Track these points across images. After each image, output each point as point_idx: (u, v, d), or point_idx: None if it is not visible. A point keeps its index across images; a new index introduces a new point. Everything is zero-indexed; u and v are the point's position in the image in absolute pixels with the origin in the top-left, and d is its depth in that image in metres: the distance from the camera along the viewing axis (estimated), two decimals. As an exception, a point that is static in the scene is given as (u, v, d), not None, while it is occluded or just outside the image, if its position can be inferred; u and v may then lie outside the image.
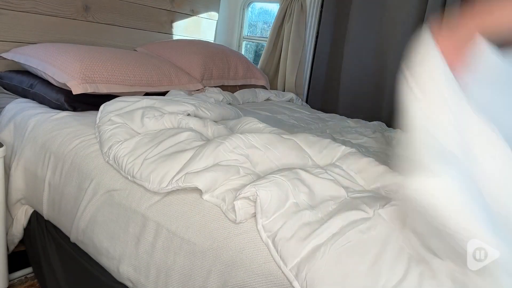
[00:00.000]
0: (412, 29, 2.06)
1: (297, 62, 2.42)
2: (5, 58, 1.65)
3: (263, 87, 2.43)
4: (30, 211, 1.41)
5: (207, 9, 2.69)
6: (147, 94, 1.65)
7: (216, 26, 2.82)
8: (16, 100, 1.57)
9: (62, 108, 1.43)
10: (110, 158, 1.09)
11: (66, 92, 1.44)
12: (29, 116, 1.42)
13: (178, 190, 0.94)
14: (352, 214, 0.81)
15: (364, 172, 1.04)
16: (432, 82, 0.71)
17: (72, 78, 1.43)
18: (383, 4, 2.12)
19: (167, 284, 0.91)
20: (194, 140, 1.12)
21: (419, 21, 2.04)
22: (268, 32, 2.56)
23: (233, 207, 0.84)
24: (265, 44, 2.59)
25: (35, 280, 1.50)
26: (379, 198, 0.92)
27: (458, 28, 0.73)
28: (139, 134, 1.17)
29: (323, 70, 2.44)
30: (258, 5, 2.88)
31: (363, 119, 2.04)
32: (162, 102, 1.33)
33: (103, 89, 1.50)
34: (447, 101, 0.69)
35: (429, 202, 0.64)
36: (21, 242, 1.47)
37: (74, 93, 1.40)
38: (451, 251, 0.66)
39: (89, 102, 1.48)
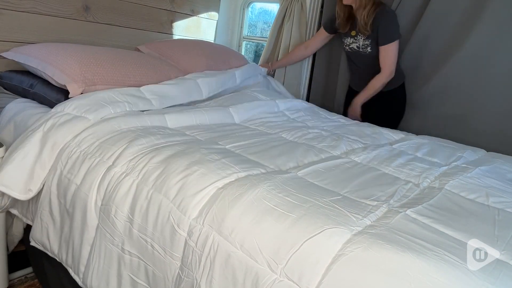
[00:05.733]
0: (409, 26, 2.08)
1: (299, 64, 2.42)
2: (5, 58, 1.65)
3: (263, 87, 2.44)
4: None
5: (207, 9, 2.69)
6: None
7: (216, 26, 2.82)
8: (16, 100, 1.57)
9: (62, 108, 1.43)
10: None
11: (66, 92, 1.44)
12: (29, 116, 1.42)
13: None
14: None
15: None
16: None
17: (72, 80, 1.43)
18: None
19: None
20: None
21: (416, 19, 2.06)
22: (268, 32, 2.56)
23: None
24: (265, 44, 2.59)
25: (35, 280, 1.50)
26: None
27: None
28: None
29: (323, 71, 2.45)
30: (258, 5, 2.88)
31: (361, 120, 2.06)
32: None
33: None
34: None
35: None
36: (21, 242, 1.47)
37: (71, 95, 1.41)
38: None
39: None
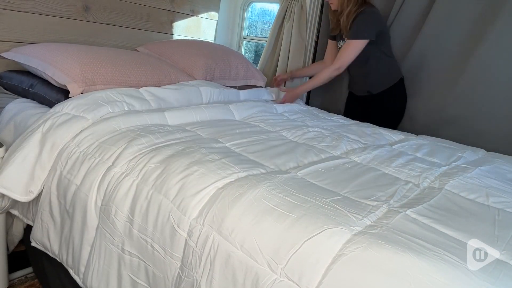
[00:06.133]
0: (409, 26, 2.08)
1: (299, 64, 2.42)
2: (5, 58, 1.65)
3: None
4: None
5: (207, 9, 2.69)
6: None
7: (216, 26, 2.82)
8: (16, 100, 1.57)
9: (62, 108, 1.43)
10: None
11: (66, 92, 1.44)
12: (29, 116, 1.42)
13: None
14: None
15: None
16: None
17: (72, 80, 1.43)
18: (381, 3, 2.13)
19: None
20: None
21: (416, 20, 2.06)
22: (268, 32, 2.56)
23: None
24: (265, 44, 2.59)
25: (35, 280, 1.50)
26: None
27: None
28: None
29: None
30: (258, 5, 2.88)
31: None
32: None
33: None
34: None
35: None
36: (21, 242, 1.47)
37: (71, 95, 1.41)
38: None
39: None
